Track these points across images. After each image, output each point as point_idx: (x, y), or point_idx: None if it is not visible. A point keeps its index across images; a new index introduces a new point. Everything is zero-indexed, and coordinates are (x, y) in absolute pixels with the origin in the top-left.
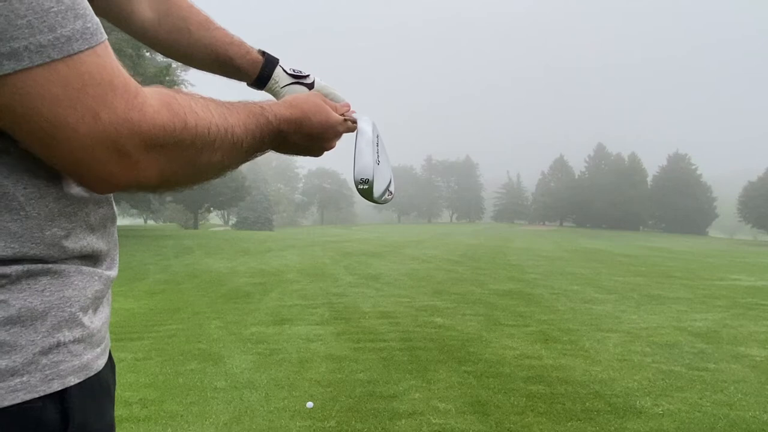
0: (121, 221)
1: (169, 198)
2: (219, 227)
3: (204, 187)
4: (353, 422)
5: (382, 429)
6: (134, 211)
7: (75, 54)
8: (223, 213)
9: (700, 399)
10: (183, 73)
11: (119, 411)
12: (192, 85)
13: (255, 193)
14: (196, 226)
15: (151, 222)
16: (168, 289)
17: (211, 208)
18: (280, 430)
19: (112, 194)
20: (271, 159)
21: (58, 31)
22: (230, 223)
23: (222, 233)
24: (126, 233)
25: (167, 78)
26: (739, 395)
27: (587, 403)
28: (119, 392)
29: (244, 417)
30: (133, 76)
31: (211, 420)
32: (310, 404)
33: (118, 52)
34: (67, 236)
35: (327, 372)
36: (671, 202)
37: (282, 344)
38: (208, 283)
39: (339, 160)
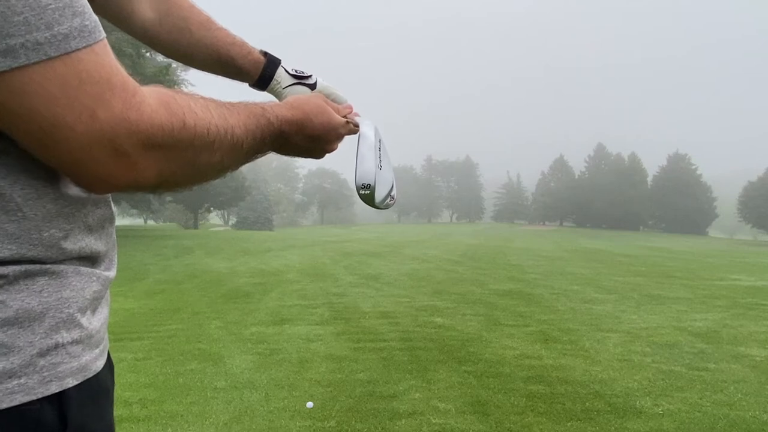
0: (121, 221)
1: (169, 198)
2: (219, 227)
3: (204, 187)
4: (353, 422)
5: (382, 429)
6: (134, 211)
7: (72, 52)
8: (223, 213)
9: (700, 399)
10: (183, 73)
11: (119, 411)
12: (192, 85)
13: (255, 193)
14: (196, 226)
15: (151, 222)
16: (168, 289)
17: (211, 208)
18: (280, 430)
19: (110, 195)
20: (271, 159)
21: (56, 29)
22: (230, 223)
23: (222, 233)
24: (126, 233)
25: (167, 78)
26: (739, 395)
27: (587, 403)
28: (119, 392)
29: (244, 417)
30: (132, 75)
31: (211, 420)
32: (310, 404)
33: (118, 51)
34: (65, 237)
35: (327, 372)
36: (671, 202)
37: (282, 344)
38: (208, 283)
39: (339, 161)
